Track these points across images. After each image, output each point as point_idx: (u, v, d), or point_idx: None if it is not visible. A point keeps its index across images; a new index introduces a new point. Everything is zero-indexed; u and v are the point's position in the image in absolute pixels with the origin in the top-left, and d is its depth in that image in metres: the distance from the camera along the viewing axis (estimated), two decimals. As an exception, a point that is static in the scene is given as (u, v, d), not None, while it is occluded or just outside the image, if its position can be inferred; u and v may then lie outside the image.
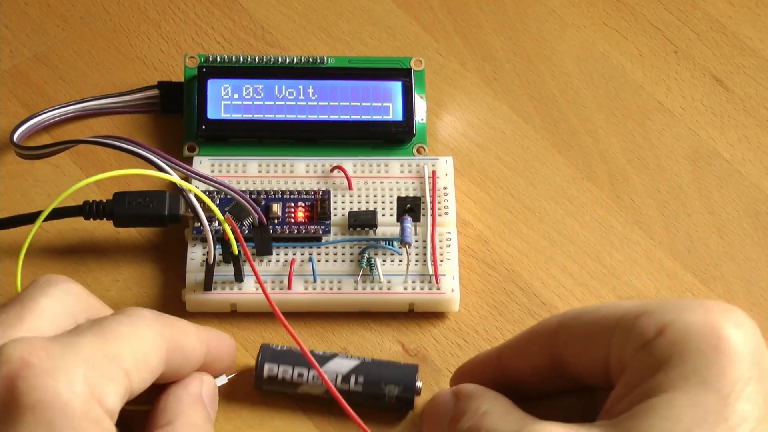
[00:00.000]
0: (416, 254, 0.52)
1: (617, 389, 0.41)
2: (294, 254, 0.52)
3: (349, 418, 0.48)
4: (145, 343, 0.42)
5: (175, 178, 0.47)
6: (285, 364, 0.49)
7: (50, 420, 0.38)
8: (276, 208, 0.53)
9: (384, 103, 0.56)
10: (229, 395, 0.49)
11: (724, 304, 0.41)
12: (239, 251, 0.50)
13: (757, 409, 0.39)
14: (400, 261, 0.52)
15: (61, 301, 0.43)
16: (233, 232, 0.49)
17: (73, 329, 0.42)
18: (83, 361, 0.39)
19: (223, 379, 0.48)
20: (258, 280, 0.49)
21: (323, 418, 0.49)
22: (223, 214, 0.49)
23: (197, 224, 0.52)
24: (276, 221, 0.53)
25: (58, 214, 0.52)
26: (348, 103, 0.56)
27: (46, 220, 0.52)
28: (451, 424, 0.44)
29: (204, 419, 0.45)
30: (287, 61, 0.57)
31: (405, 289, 0.52)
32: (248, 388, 0.49)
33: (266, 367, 0.49)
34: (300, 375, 0.48)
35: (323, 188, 0.54)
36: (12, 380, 0.38)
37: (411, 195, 0.54)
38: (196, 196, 0.48)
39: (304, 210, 0.53)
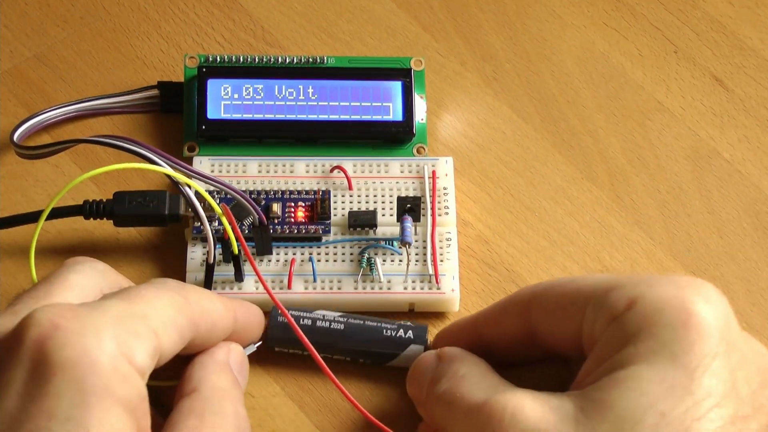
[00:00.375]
0: (416, 254, 0.52)
1: (588, 362, 0.41)
2: (294, 254, 0.52)
3: (349, 418, 0.49)
4: (172, 305, 0.42)
5: (170, 171, 0.47)
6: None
7: (80, 377, 0.38)
8: (276, 207, 0.53)
9: (384, 103, 0.56)
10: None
11: (695, 279, 0.41)
12: (239, 250, 0.50)
13: (722, 384, 0.39)
14: (400, 261, 0.52)
15: (89, 277, 0.44)
16: (230, 223, 0.49)
17: (100, 298, 0.42)
18: (111, 320, 0.40)
19: (251, 348, 0.48)
20: (256, 272, 0.49)
21: (323, 418, 0.49)
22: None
23: (197, 224, 0.52)
24: (276, 221, 0.53)
25: (58, 213, 0.52)
26: (348, 103, 0.56)
27: (45, 219, 0.52)
28: (430, 384, 0.45)
29: (231, 384, 0.45)
30: (287, 61, 0.57)
31: (405, 289, 0.52)
32: (248, 389, 0.49)
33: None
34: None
35: (323, 188, 0.54)
36: (41, 342, 0.38)
37: (411, 195, 0.54)
38: (196, 193, 0.48)
39: (304, 210, 0.53)
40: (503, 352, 0.46)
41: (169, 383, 0.45)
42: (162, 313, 0.42)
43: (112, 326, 0.39)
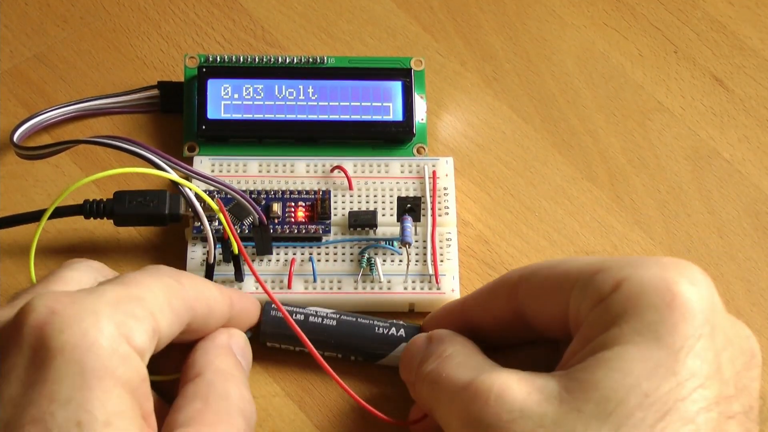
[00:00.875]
0: (416, 254, 0.52)
1: (574, 343, 0.42)
2: (294, 254, 0.52)
3: (349, 418, 0.49)
4: (167, 288, 0.42)
5: (173, 176, 0.47)
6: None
7: (79, 359, 0.38)
8: (276, 207, 0.53)
9: (384, 103, 0.56)
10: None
11: (680, 260, 0.41)
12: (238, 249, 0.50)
13: (706, 365, 0.39)
14: (400, 261, 0.52)
15: (85, 272, 0.44)
16: (224, 217, 0.48)
17: (97, 285, 0.43)
18: (108, 303, 0.40)
19: (248, 334, 0.48)
20: (250, 268, 0.49)
21: (323, 418, 0.49)
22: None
23: (197, 224, 0.52)
24: (276, 221, 0.53)
25: (58, 213, 0.52)
26: (348, 103, 0.56)
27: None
28: (419, 365, 0.45)
29: (234, 367, 0.45)
30: (287, 61, 0.57)
31: (405, 289, 0.52)
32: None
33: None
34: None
35: (323, 188, 0.54)
36: (40, 328, 0.38)
37: (411, 195, 0.54)
38: (196, 194, 0.48)
39: (304, 210, 0.53)
40: (492, 334, 0.47)
41: (171, 377, 0.45)
42: (158, 296, 0.42)
43: (109, 309, 0.39)
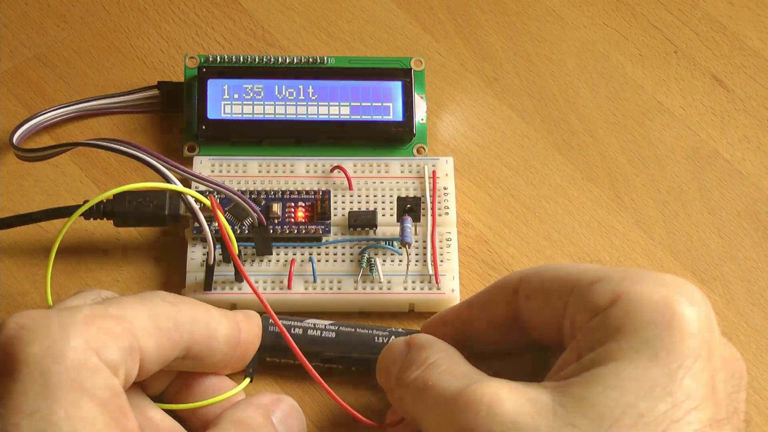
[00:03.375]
0: (416, 254, 0.52)
1: (567, 353, 0.41)
2: (294, 254, 0.52)
3: (349, 418, 0.49)
4: (156, 309, 0.42)
5: (179, 187, 0.47)
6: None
7: (44, 371, 0.38)
8: (276, 208, 0.53)
9: (384, 103, 0.56)
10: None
11: (680, 279, 0.41)
12: (239, 251, 0.50)
13: (702, 387, 0.39)
14: (400, 261, 0.52)
15: (87, 299, 0.44)
16: (215, 214, 0.48)
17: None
18: (81, 319, 0.40)
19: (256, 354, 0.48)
20: (244, 276, 0.49)
21: (323, 418, 0.49)
22: (224, 214, 0.49)
23: (197, 224, 0.52)
24: (276, 221, 0.53)
25: (58, 213, 0.52)
26: (348, 103, 0.56)
27: (46, 220, 0.52)
28: (399, 372, 0.44)
29: (260, 424, 0.44)
30: (287, 61, 0.57)
31: (405, 289, 0.52)
32: (248, 390, 0.49)
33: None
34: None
35: (323, 188, 0.54)
36: (8, 343, 0.39)
37: (411, 195, 0.54)
38: (196, 200, 0.48)
39: (304, 210, 0.53)
40: (483, 342, 0.46)
41: (182, 407, 0.45)
42: (141, 316, 0.41)
43: (81, 324, 0.39)
